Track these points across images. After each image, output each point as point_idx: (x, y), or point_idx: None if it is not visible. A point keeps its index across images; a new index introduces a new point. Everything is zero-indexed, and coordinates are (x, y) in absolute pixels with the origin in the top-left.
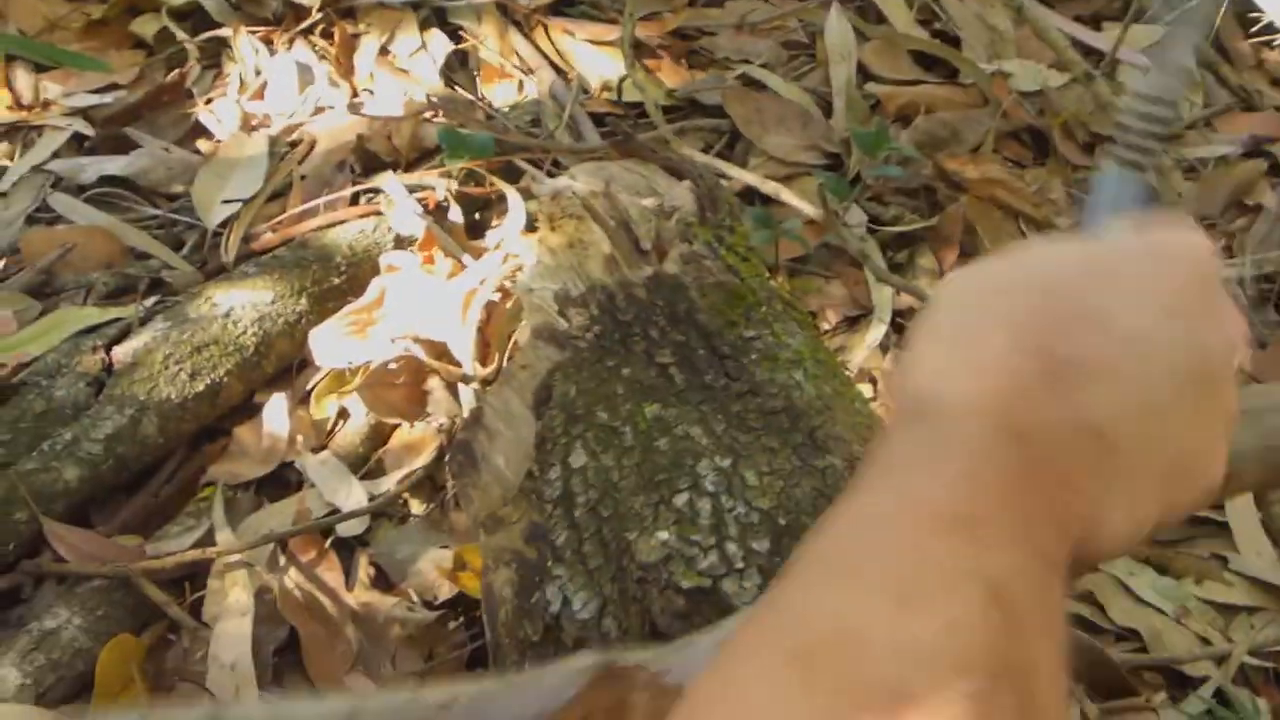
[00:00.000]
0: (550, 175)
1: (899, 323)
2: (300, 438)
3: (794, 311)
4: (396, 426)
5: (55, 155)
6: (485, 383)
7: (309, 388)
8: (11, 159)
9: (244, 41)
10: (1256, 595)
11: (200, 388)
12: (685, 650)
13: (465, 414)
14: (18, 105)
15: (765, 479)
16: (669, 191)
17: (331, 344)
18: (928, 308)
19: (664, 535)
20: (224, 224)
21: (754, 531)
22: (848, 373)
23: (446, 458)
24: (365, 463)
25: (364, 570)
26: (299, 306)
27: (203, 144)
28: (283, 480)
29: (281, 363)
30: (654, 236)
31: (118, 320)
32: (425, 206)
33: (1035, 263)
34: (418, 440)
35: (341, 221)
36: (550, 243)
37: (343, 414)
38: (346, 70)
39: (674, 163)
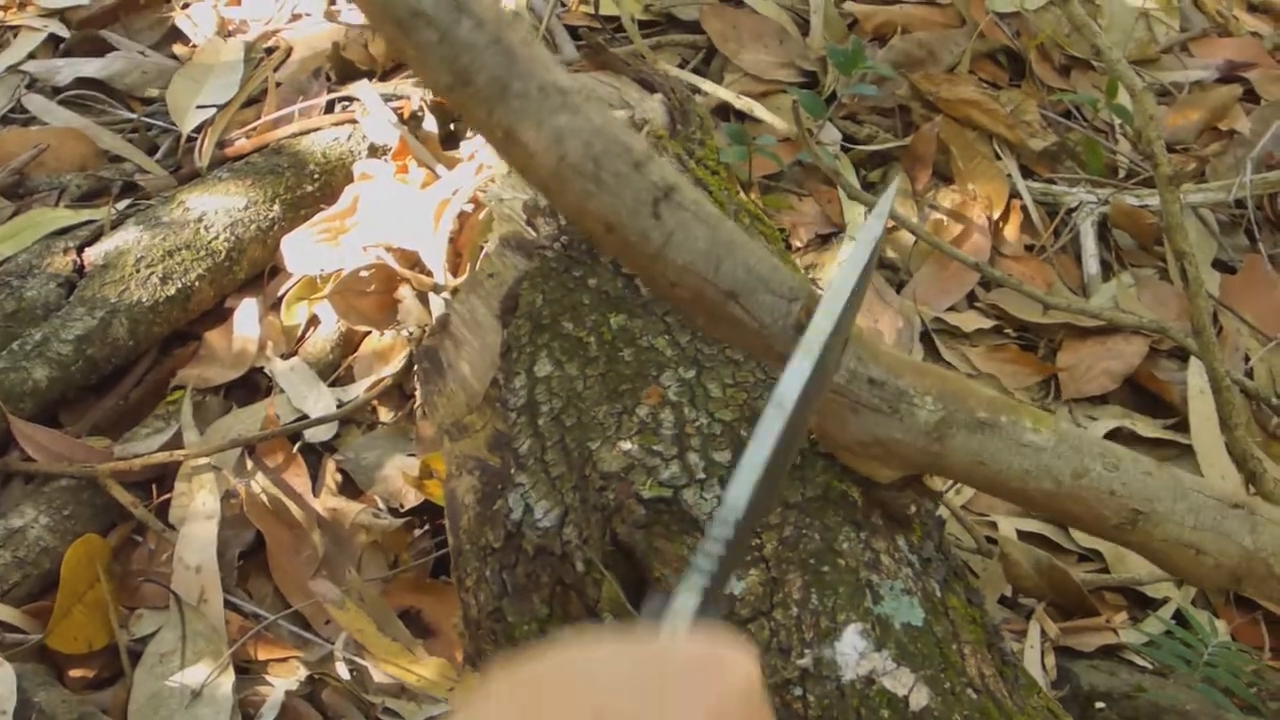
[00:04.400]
0: None
1: None
2: (270, 344)
3: (762, 225)
4: (367, 334)
5: (31, 56)
6: (456, 292)
7: (280, 294)
8: None
9: None
10: None
11: (171, 291)
12: None
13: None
14: None
15: (729, 391)
16: (640, 104)
17: (303, 250)
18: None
19: (626, 445)
20: (199, 129)
21: (716, 443)
22: (818, 290)
23: (414, 365)
24: (335, 370)
25: (331, 476)
26: (272, 213)
27: (179, 49)
28: (252, 385)
29: (254, 268)
30: None
31: (90, 222)
32: (400, 116)
33: (583, 674)
34: (387, 348)
35: (316, 129)
36: None
37: (313, 321)
38: None
39: (647, 76)
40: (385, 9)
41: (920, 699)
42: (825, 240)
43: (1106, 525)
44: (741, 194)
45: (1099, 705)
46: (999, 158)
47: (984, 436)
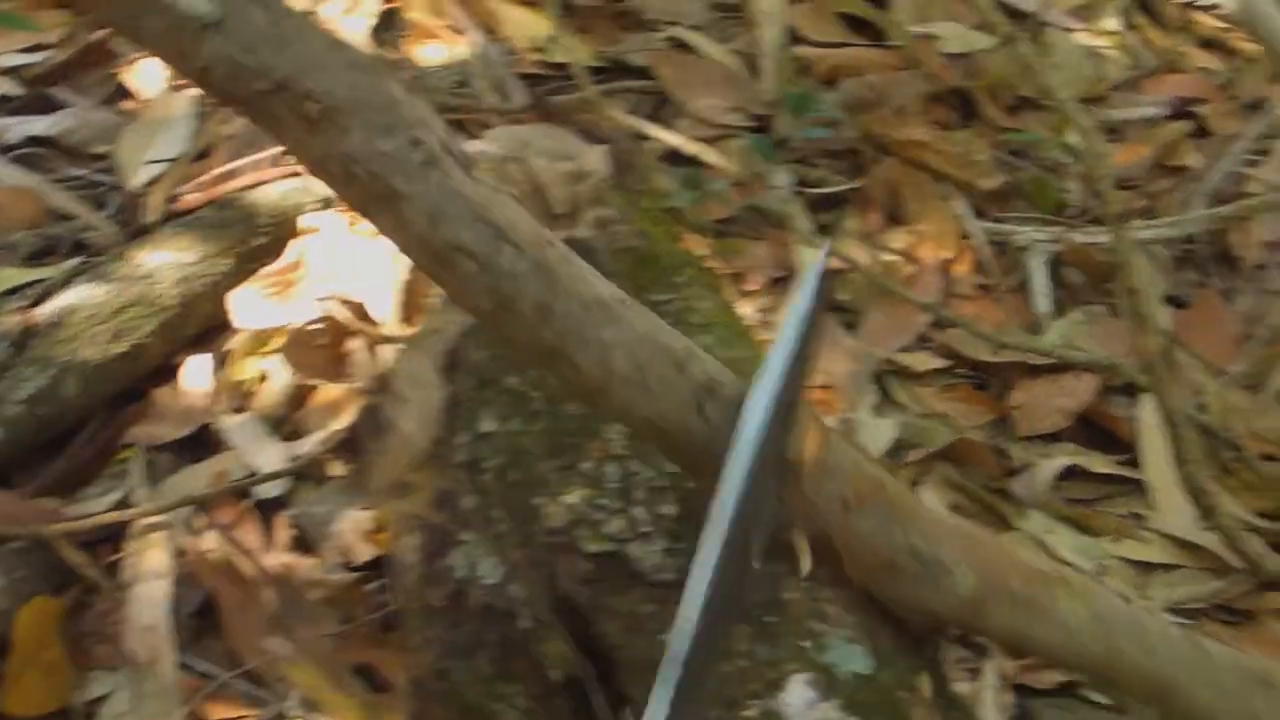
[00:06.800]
0: (479, 137)
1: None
2: (222, 399)
3: (705, 276)
4: (317, 387)
5: None
6: (403, 346)
7: (229, 349)
8: None
9: None
10: (1174, 553)
11: (123, 348)
12: None
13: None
14: None
15: None
16: (582, 155)
17: (251, 305)
18: None
19: (571, 499)
20: (149, 184)
21: (662, 495)
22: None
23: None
24: (286, 424)
25: (283, 532)
26: (223, 267)
27: (129, 104)
28: (204, 442)
29: (205, 324)
30: (568, 201)
31: (40, 281)
32: None
33: None
34: (338, 401)
35: (266, 182)
36: None
37: (263, 376)
38: None
39: (590, 126)
40: (422, 244)
41: None
42: (777, 283)
43: (1137, 697)
44: (686, 241)
45: None
46: (950, 198)
47: (1020, 611)
